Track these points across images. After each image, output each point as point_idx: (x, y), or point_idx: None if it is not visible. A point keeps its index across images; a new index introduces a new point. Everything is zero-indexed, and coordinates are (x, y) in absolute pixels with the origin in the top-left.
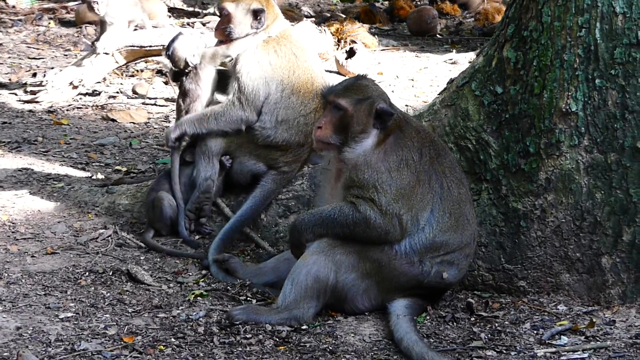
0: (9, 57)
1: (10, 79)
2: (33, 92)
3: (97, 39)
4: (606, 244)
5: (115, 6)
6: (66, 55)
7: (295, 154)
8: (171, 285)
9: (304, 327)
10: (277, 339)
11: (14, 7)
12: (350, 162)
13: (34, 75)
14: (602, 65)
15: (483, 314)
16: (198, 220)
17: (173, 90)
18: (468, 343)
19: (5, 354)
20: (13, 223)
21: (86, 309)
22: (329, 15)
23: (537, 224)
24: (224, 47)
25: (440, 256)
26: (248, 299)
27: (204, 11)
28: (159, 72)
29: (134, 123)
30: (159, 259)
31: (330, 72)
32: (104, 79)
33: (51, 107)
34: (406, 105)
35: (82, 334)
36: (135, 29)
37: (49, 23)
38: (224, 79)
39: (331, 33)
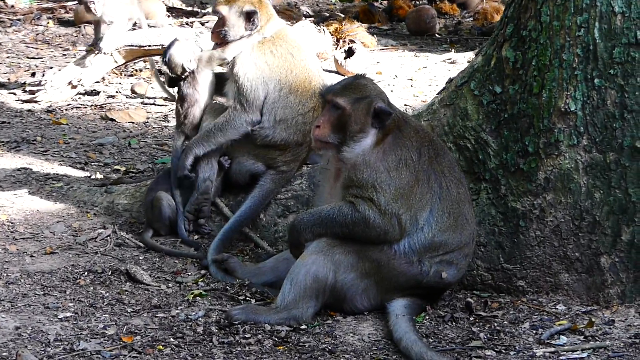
0: (8, 57)
1: (9, 79)
2: (32, 92)
3: (97, 40)
4: (605, 243)
5: (112, 5)
6: (65, 54)
7: (294, 154)
8: (170, 285)
9: (303, 326)
10: (276, 339)
11: (12, 6)
12: (349, 162)
13: (33, 74)
14: (601, 64)
15: (482, 313)
16: (197, 221)
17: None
18: (467, 343)
19: (4, 353)
20: (12, 223)
21: (85, 308)
22: (327, 14)
23: (536, 223)
24: (219, 50)
25: (439, 256)
26: (247, 298)
27: (203, 11)
28: (158, 72)
29: (132, 123)
30: (158, 259)
31: (329, 71)
32: (103, 79)
33: (50, 106)
34: (405, 105)
35: (81, 333)
36: (134, 29)
37: (48, 23)
38: (221, 82)
39: (330, 33)
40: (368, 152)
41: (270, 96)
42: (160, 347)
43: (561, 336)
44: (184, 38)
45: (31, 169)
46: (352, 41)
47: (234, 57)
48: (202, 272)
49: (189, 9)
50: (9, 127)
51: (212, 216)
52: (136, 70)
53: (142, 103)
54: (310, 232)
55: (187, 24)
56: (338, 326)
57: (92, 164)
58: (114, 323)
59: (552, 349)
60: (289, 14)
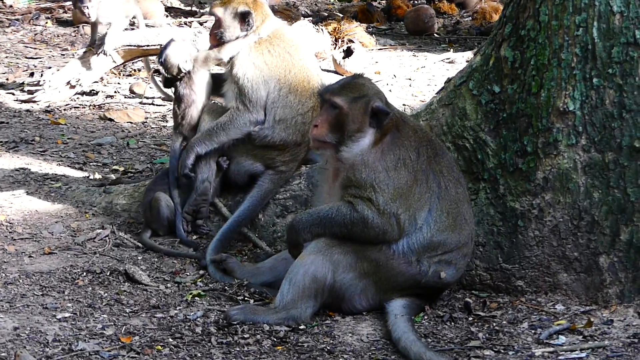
0: (6, 57)
1: (7, 79)
2: (30, 92)
3: (94, 41)
4: (604, 243)
5: (107, 7)
6: (63, 54)
7: (293, 154)
8: (169, 285)
9: (301, 327)
10: (275, 339)
11: (11, 6)
12: (347, 162)
13: (31, 74)
14: (599, 64)
15: (481, 313)
16: (195, 221)
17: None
18: (466, 343)
19: (2, 354)
20: (10, 223)
21: (84, 309)
22: (326, 14)
23: (535, 223)
24: (215, 51)
25: (438, 256)
26: (246, 299)
27: (201, 10)
28: (156, 72)
29: (131, 122)
30: (156, 259)
31: (328, 71)
32: (101, 79)
33: (48, 106)
34: (404, 105)
35: (79, 334)
36: (132, 28)
37: (46, 22)
38: (218, 83)
39: (328, 32)
40: (366, 152)
41: (271, 96)
42: (159, 347)
43: (560, 336)
44: (180, 38)
45: (30, 169)
46: (350, 41)
47: (232, 58)
48: (201, 272)
49: (188, 8)
50: (8, 127)
51: (210, 216)
52: (135, 70)
53: (140, 103)
54: (308, 232)
55: (185, 23)
56: (337, 326)
57: (91, 164)
58: (112, 323)
59: (551, 349)
60: (287, 13)
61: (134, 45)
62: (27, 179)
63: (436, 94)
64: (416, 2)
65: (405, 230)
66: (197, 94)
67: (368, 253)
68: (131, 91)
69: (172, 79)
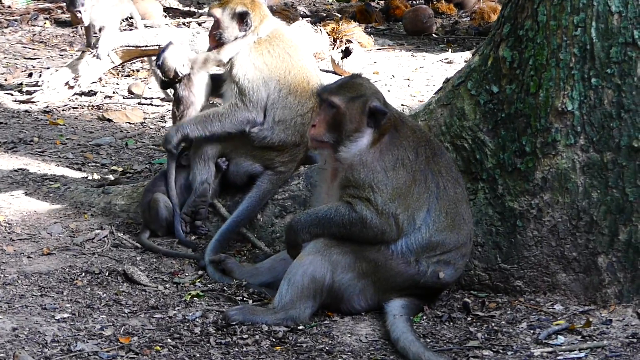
0: (5, 57)
1: (6, 79)
2: (29, 92)
3: (89, 44)
4: (602, 243)
5: (100, 10)
6: (62, 55)
7: (292, 154)
8: (167, 285)
9: (300, 327)
10: (274, 340)
11: (9, 7)
12: (345, 162)
13: (30, 75)
14: (598, 64)
15: (479, 313)
16: (193, 222)
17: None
18: (465, 343)
19: (1, 355)
20: (9, 224)
21: (82, 309)
22: (324, 14)
23: (534, 223)
24: (214, 52)
25: (437, 256)
26: (244, 299)
27: (200, 11)
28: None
29: (130, 123)
30: (155, 260)
31: (326, 71)
32: (100, 79)
33: (47, 107)
34: (402, 105)
35: (78, 334)
36: (131, 29)
37: (45, 23)
38: (217, 84)
39: (327, 33)
40: (365, 152)
41: (270, 97)
42: (158, 347)
43: (559, 336)
44: (178, 42)
45: (28, 170)
46: (349, 41)
47: (231, 59)
48: (200, 272)
49: (186, 9)
50: (6, 127)
51: (209, 217)
52: (133, 71)
53: (139, 103)
54: (307, 232)
55: (183, 24)
56: (335, 326)
57: (89, 164)
58: (111, 324)
59: (550, 349)
60: (286, 14)
61: (133, 46)
62: (26, 180)
63: (434, 94)
64: (414, 2)
65: (403, 230)
66: (196, 95)
67: (367, 253)
68: (130, 92)
69: (169, 81)
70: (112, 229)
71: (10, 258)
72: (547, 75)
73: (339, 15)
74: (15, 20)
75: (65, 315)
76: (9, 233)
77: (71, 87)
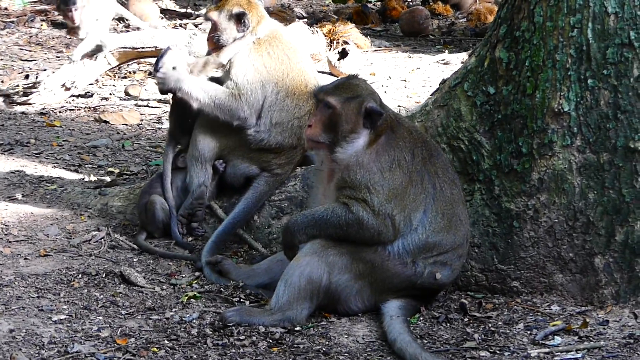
0: (1, 59)
1: (2, 81)
2: (25, 94)
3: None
4: (599, 244)
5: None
6: (58, 57)
7: (288, 156)
8: (164, 287)
9: (297, 328)
10: (271, 341)
11: (6, 8)
12: (342, 163)
13: (27, 77)
14: (594, 65)
15: (476, 314)
16: (189, 224)
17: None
18: (461, 344)
19: None
20: (6, 225)
21: (79, 311)
22: (321, 16)
23: (530, 224)
24: (214, 56)
25: (433, 257)
26: (241, 300)
27: (196, 12)
28: (151, 74)
29: (126, 125)
30: (152, 261)
31: (323, 73)
32: (97, 81)
33: (43, 109)
34: (399, 106)
35: (75, 336)
36: (127, 30)
37: (41, 25)
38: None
39: (323, 34)
40: (361, 153)
41: (268, 99)
42: (155, 349)
43: (555, 337)
44: (177, 46)
45: (25, 172)
46: (345, 42)
47: (230, 59)
48: (196, 274)
49: (183, 10)
50: (3, 129)
51: (206, 218)
52: (130, 73)
53: (135, 105)
54: (304, 233)
55: (180, 25)
56: (332, 327)
57: (86, 166)
58: (108, 325)
59: (547, 350)
60: (282, 15)
61: (129, 48)
62: (23, 181)
63: (431, 95)
64: (411, 3)
65: (400, 231)
66: None
67: (363, 254)
68: (126, 93)
69: None
70: (109, 231)
71: (7, 260)
72: (543, 76)
73: (336, 17)
74: (12, 22)
75: (62, 316)
76: (5, 235)
77: (68, 89)
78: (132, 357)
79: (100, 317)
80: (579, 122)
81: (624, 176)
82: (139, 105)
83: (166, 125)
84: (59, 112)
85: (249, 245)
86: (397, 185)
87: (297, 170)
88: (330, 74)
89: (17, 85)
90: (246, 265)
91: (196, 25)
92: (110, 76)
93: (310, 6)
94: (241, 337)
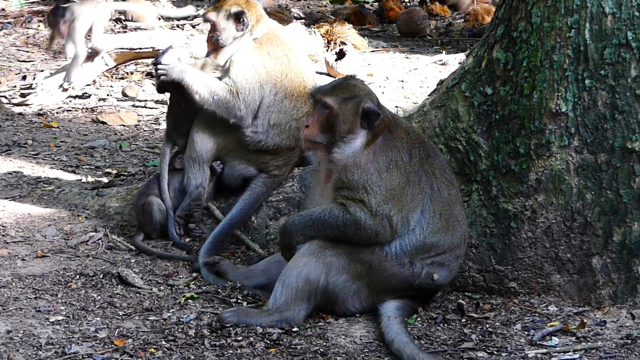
0: None
1: None
2: (23, 95)
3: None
4: (597, 244)
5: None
6: (56, 58)
7: (286, 158)
8: (162, 288)
9: (294, 329)
10: (268, 341)
11: (3, 9)
12: (339, 163)
13: (24, 78)
14: (591, 65)
15: (474, 315)
16: (187, 225)
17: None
18: (459, 344)
19: None
20: (3, 226)
21: (77, 312)
22: (318, 16)
23: (528, 224)
24: (212, 57)
25: (431, 257)
26: (239, 301)
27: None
28: (149, 75)
29: (124, 125)
30: (149, 262)
31: (320, 73)
32: (94, 82)
33: (41, 109)
34: (396, 107)
35: (72, 337)
36: (125, 31)
37: (39, 26)
38: None
39: (321, 34)
40: (358, 154)
41: (266, 100)
42: (152, 350)
43: (553, 337)
44: (177, 45)
45: (22, 173)
46: (343, 43)
47: (230, 58)
48: (194, 274)
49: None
50: (0, 130)
51: (203, 219)
52: (127, 73)
53: (133, 106)
54: (301, 234)
55: (177, 26)
56: (330, 328)
57: (84, 167)
58: (105, 326)
59: (544, 350)
60: (280, 16)
61: (127, 48)
62: (20, 182)
63: (429, 95)
64: (408, 4)
65: (397, 231)
66: None
67: (361, 255)
68: (124, 94)
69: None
70: (106, 232)
71: (5, 261)
72: (541, 76)
73: (333, 17)
74: (9, 22)
75: (60, 317)
76: (2, 236)
77: (65, 90)
78: (129, 358)
79: (98, 318)
80: (576, 123)
81: (622, 177)
82: (137, 106)
83: (164, 126)
84: (57, 113)
85: (247, 246)
86: (395, 186)
87: (295, 171)
88: (328, 74)
89: (15, 86)
90: (244, 266)
91: (193, 26)
92: (107, 77)
93: (308, 7)
94: (239, 338)
